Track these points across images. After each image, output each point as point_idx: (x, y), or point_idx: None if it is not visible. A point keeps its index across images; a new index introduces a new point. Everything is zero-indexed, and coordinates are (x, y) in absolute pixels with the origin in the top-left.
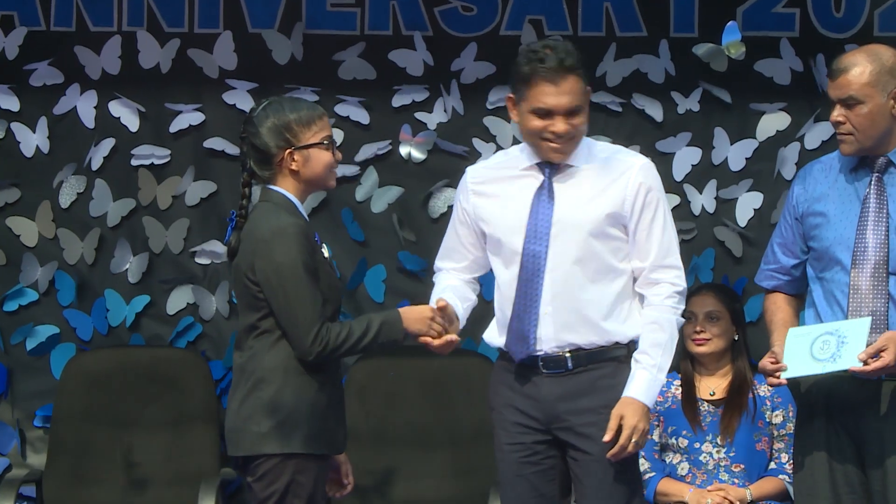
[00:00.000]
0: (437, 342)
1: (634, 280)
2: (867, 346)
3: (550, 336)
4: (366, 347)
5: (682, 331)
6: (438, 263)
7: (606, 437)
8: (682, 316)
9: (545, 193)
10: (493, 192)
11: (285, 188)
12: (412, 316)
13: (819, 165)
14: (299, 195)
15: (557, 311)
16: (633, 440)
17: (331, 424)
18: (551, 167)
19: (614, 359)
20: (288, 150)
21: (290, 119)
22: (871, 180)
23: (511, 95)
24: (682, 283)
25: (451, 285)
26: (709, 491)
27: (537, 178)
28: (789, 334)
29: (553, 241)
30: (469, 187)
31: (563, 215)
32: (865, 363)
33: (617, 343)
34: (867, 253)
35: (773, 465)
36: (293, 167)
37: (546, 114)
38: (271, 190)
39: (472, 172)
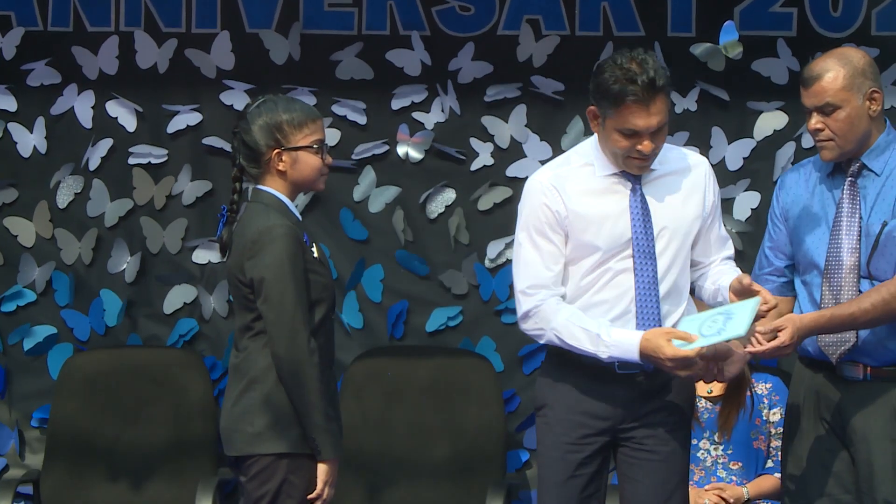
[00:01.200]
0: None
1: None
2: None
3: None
4: (308, 409)
5: None
6: (532, 289)
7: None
8: None
9: (639, 202)
10: (584, 199)
11: (274, 188)
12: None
13: (799, 170)
14: (289, 194)
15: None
16: None
17: None
18: (636, 175)
19: None
20: (276, 151)
21: (283, 119)
22: (844, 184)
23: (594, 108)
24: None
25: (577, 312)
26: (706, 490)
27: (625, 185)
28: (682, 322)
29: (657, 248)
30: (560, 194)
31: (663, 222)
32: (760, 343)
33: None
34: (840, 257)
35: (770, 464)
36: (280, 168)
37: (633, 134)
38: (261, 190)
39: (556, 179)
